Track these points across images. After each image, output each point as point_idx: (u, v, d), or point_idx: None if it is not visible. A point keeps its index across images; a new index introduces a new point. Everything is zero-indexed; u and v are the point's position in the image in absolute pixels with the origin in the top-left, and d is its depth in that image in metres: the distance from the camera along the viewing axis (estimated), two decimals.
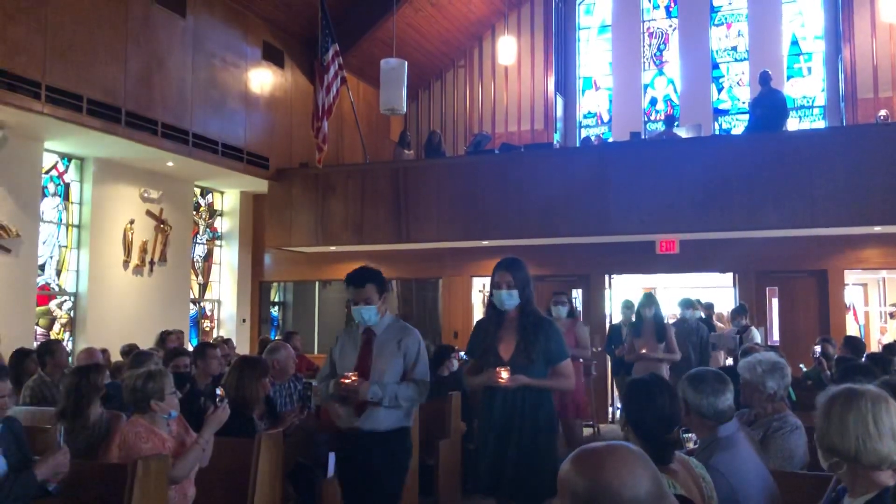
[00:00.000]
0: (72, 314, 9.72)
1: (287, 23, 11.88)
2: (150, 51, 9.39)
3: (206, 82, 10.34)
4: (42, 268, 9.32)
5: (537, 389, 3.98)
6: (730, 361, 8.69)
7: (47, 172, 9.44)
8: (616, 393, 10.86)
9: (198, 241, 12.04)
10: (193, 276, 11.81)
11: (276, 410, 5.15)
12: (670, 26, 14.29)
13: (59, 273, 9.61)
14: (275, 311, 13.39)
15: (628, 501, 1.27)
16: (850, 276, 10.86)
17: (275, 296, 13.38)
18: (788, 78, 13.27)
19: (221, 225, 12.64)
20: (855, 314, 11.88)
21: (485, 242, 11.01)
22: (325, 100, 11.35)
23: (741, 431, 3.07)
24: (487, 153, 11.47)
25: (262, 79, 11.52)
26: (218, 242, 12.55)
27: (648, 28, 14.44)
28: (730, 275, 11.05)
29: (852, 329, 10.91)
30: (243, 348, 11.68)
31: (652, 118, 13.95)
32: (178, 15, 9.88)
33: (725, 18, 13.95)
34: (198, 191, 12.00)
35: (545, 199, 10.15)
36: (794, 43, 13.41)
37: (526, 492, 3.93)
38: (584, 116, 14.80)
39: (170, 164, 10.23)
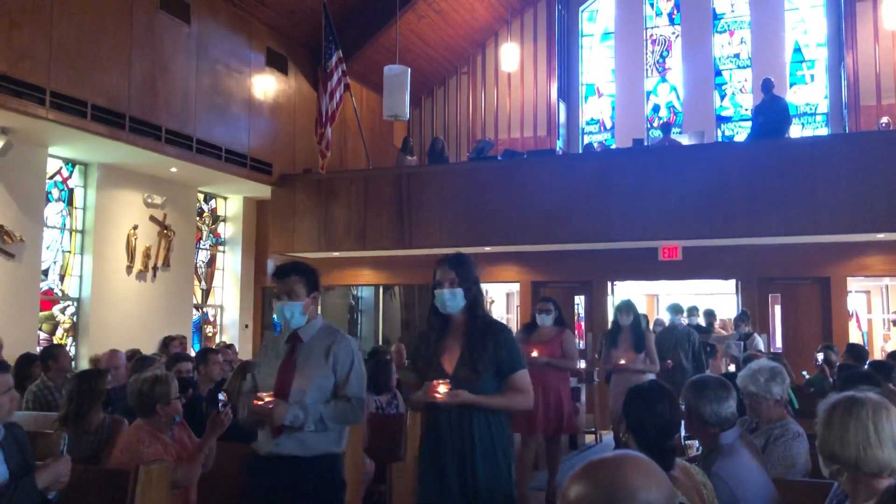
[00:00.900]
0: (75, 319, 9.74)
1: (291, 29, 11.92)
2: (154, 57, 9.43)
3: (210, 88, 10.37)
4: (45, 273, 9.34)
5: (485, 408, 3.25)
6: (732, 368, 8.62)
7: (51, 178, 9.46)
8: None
9: (201, 246, 12.05)
10: (196, 282, 11.83)
11: None
12: (673, 33, 14.31)
13: (62, 278, 9.63)
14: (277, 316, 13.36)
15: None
16: (853, 284, 10.84)
17: None
18: (791, 85, 13.27)
19: (225, 230, 12.66)
20: (858, 321, 11.86)
21: (487, 248, 11.02)
22: (329, 106, 11.37)
23: (743, 438, 3.07)
24: (490, 159, 11.48)
25: (266, 85, 11.55)
26: (221, 248, 12.56)
27: (651, 35, 14.46)
28: (732, 281, 11.04)
29: (855, 336, 10.90)
30: (246, 354, 11.69)
31: (655, 125, 13.95)
32: (182, 21, 9.92)
33: (728, 26, 13.96)
34: (201, 196, 12.02)
35: (548, 206, 10.15)
36: (797, 50, 13.42)
37: None
38: (587, 123, 14.81)
39: (173, 169, 10.26)
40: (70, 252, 9.72)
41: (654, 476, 1.28)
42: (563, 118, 14.62)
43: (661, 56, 14.36)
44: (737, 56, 13.85)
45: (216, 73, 10.51)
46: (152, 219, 10.55)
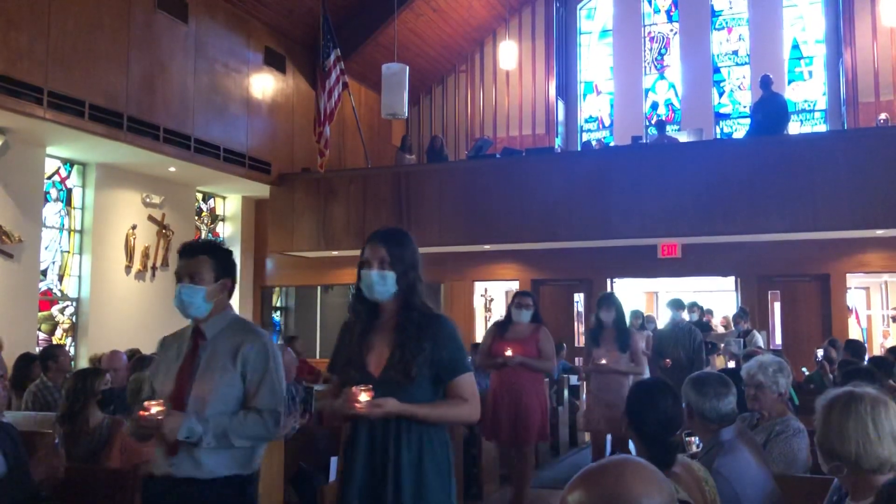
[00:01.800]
0: (74, 319, 9.73)
1: (289, 28, 11.91)
2: (152, 56, 9.42)
3: (208, 88, 10.36)
4: (44, 273, 9.33)
5: (419, 421, 2.61)
6: (731, 364, 8.61)
7: (49, 178, 9.46)
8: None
9: None
10: None
11: None
12: (671, 31, 14.31)
13: (61, 278, 9.62)
14: (277, 315, 13.39)
15: None
16: (853, 280, 10.85)
17: (277, 301, 13.38)
18: (789, 82, 13.27)
19: (223, 230, 12.65)
20: (857, 317, 11.87)
21: (487, 247, 11.03)
22: (327, 105, 11.36)
23: (743, 435, 3.07)
24: (489, 157, 11.48)
25: (264, 84, 11.54)
26: None
27: (649, 32, 14.45)
28: (732, 278, 11.04)
29: (854, 333, 10.90)
30: None
31: (653, 122, 13.95)
32: (180, 21, 9.91)
33: (726, 22, 13.96)
34: (200, 196, 12.01)
35: (547, 204, 10.15)
36: (795, 47, 13.42)
37: None
38: (586, 121, 14.81)
39: (172, 169, 10.25)
40: (69, 252, 9.71)
41: (655, 481, 1.28)
42: (561, 116, 14.61)
43: (660, 53, 14.36)
44: (735, 53, 13.84)
45: (214, 72, 10.50)
46: (151, 218, 10.54)
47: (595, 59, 14.81)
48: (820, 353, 7.55)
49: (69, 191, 9.79)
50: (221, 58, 10.66)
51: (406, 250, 2.79)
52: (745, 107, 13.40)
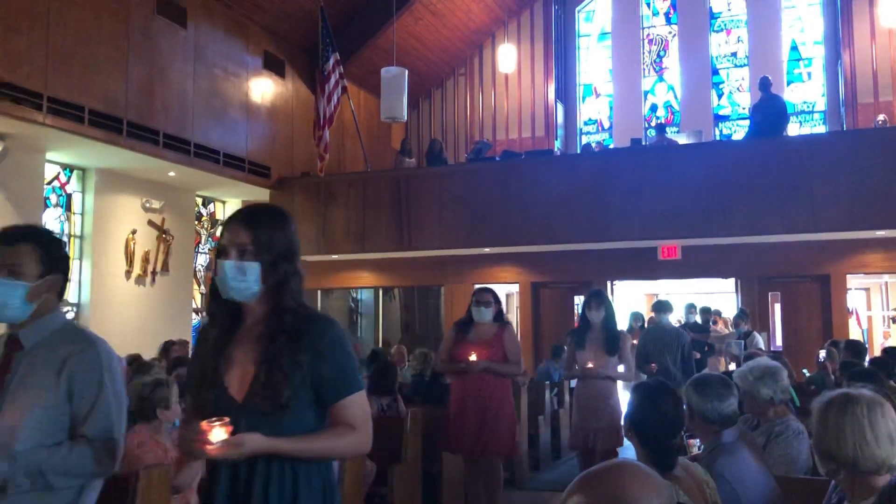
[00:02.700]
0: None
1: (288, 32, 11.92)
2: (151, 61, 9.43)
3: (207, 92, 10.37)
4: None
5: (294, 459, 2.02)
6: (733, 366, 8.59)
7: (49, 183, 9.46)
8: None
9: (200, 250, 12.05)
10: (196, 286, 11.82)
11: None
12: (670, 33, 14.32)
13: None
14: None
15: None
16: (853, 281, 10.85)
17: None
18: (788, 83, 13.28)
19: None
20: (858, 318, 11.87)
21: (487, 250, 11.03)
22: (327, 109, 11.38)
23: (745, 436, 3.07)
24: (488, 161, 11.49)
25: (263, 88, 11.55)
26: None
27: (648, 35, 14.47)
28: (732, 280, 11.04)
29: (855, 333, 10.90)
30: None
31: (652, 124, 13.96)
32: (179, 26, 9.92)
33: (725, 24, 13.97)
34: (199, 200, 12.02)
35: (546, 206, 10.15)
36: (794, 48, 13.43)
37: None
38: (585, 123, 14.82)
39: (171, 173, 10.25)
40: (69, 257, 9.69)
41: (653, 484, 1.28)
42: (560, 119, 14.62)
43: (658, 55, 14.37)
44: (734, 55, 13.86)
45: (213, 76, 10.51)
46: (151, 223, 10.54)
47: (594, 62, 14.82)
48: (822, 354, 7.54)
49: (69, 196, 9.79)
50: (220, 62, 10.67)
51: (277, 235, 2.15)
52: (744, 108, 13.41)
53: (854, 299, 11.63)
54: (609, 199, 9.95)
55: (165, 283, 10.68)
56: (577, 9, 14.88)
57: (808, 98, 13.32)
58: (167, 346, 8.50)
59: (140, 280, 10.31)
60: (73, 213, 9.81)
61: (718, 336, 10.02)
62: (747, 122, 11.86)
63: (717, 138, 13.41)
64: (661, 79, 14.32)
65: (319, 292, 12.94)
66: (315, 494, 2.06)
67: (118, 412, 2.27)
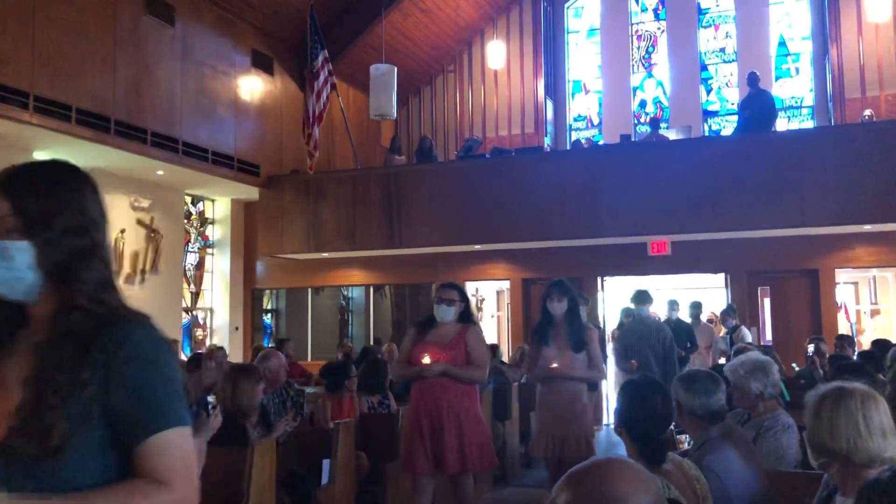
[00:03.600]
0: None
1: (276, 30, 11.88)
2: (138, 60, 9.38)
3: (195, 91, 10.33)
4: None
5: None
6: (722, 361, 8.59)
7: None
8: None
9: (189, 249, 12.01)
10: (185, 285, 11.78)
11: (270, 418, 5.14)
12: (658, 29, 14.34)
13: None
14: (268, 318, 13.36)
15: None
16: (842, 275, 10.90)
17: (267, 303, 13.35)
18: (777, 79, 13.32)
19: (213, 233, 12.61)
20: (846, 313, 11.92)
21: (477, 247, 11.03)
22: (316, 106, 11.35)
23: (734, 431, 3.08)
24: (478, 158, 11.49)
25: (252, 86, 11.51)
26: (210, 251, 12.52)
27: (636, 31, 14.49)
28: (722, 275, 11.07)
29: (844, 328, 10.96)
30: (236, 356, 11.65)
31: (641, 120, 13.99)
32: (166, 24, 9.87)
33: (713, 20, 14.00)
34: (189, 199, 11.97)
35: (537, 203, 10.16)
36: (782, 44, 13.48)
37: None
38: (574, 120, 14.83)
39: (160, 172, 10.21)
40: None
41: (642, 480, 1.28)
42: (550, 115, 14.63)
43: (647, 51, 14.39)
44: (722, 50, 13.89)
45: (202, 75, 10.47)
46: (140, 222, 10.50)
47: (583, 58, 14.83)
48: (810, 348, 7.57)
49: None
50: (209, 60, 10.62)
51: (55, 199, 1.48)
52: (732, 104, 13.44)
53: (842, 293, 11.69)
54: (599, 195, 9.97)
55: (155, 282, 10.64)
56: (565, 5, 14.88)
57: (796, 93, 13.37)
58: None
59: (129, 280, 10.26)
60: None
61: (702, 327, 10.03)
62: (736, 118, 11.89)
63: (706, 134, 13.45)
64: (649, 75, 14.35)
65: (310, 290, 12.92)
66: None
67: None
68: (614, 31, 14.47)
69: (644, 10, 14.48)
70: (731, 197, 9.39)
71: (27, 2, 7.93)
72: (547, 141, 14.28)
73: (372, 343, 11.44)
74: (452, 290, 4.85)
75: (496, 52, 13.43)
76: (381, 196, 11.04)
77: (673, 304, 9.29)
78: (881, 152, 8.96)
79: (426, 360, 4.63)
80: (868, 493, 1.58)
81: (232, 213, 12.56)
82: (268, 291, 13.20)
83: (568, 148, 13.92)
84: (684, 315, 9.89)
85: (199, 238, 12.33)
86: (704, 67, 13.93)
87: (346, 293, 13.20)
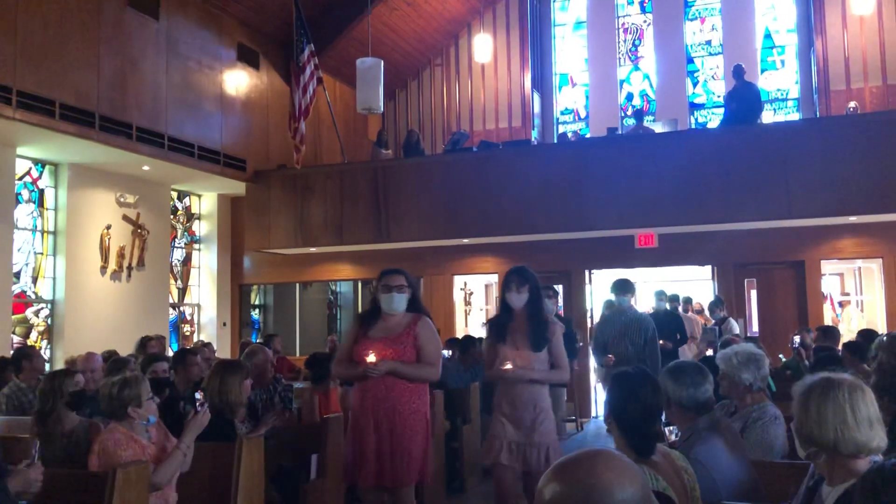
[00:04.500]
0: (49, 322, 9.61)
1: (261, 24, 11.81)
2: (123, 54, 9.31)
3: (180, 85, 10.26)
4: (17, 275, 9.21)
5: None
6: (710, 352, 8.58)
7: (21, 179, 9.32)
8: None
9: (176, 244, 11.94)
10: (172, 281, 11.72)
11: (258, 413, 5.12)
12: (645, 22, 14.36)
13: (35, 280, 9.50)
14: (255, 313, 13.32)
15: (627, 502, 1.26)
16: (827, 267, 10.97)
17: (255, 299, 13.30)
18: (762, 71, 13.38)
19: (200, 228, 12.55)
20: (832, 303, 12.00)
21: (465, 240, 11.03)
22: (302, 100, 11.31)
23: (721, 422, 3.09)
24: (466, 151, 11.47)
25: (238, 81, 11.44)
26: (196, 246, 12.46)
27: (623, 24, 14.50)
28: (709, 267, 11.13)
29: (829, 319, 11.03)
30: (224, 352, 11.62)
31: (628, 113, 14.02)
32: (150, 18, 9.79)
33: (699, 13, 14.03)
34: (175, 194, 11.90)
35: (524, 196, 10.17)
36: (767, 36, 13.53)
37: None
38: (562, 113, 14.84)
39: (146, 167, 10.14)
40: (42, 254, 9.58)
41: (628, 472, 1.28)
42: (537, 108, 14.63)
43: (634, 44, 14.41)
44: (708, 43, 13.93)
45: (187, 69, 10.40)
46: (125, 218, 10.43)
47: (570, 51, 14.84)
48: (797, 339, 7.61)
49: (41, 191, 9.65)
50: (194, 54, 10.55)
51: None
52: (718, 96, 13.49)
53: (828, 284, 11.77)
54: (586, 188, 9.99)
55: (141, 278, 10.59)
56: None
57: (781, 85, 13.43)
58: (144, 342, 8.44)
59: (115, 276, 10.20)
60: (46, 209, 9.68)
61: (690, 318, 10.06)
62: (722, 111, 11.93)
63: (693, 126, 13.49)
64: (636, 68, 14.37)
65: (298, 285, 12.89)
66: None
67: None
68: (601, 25, 14.49)
69: (630, 2, 14.50)
70: (718, 189, 9.42)
71: None
72: (534, 134, 14.29)
73: None
74: (399, 275, 4.30)
75: (483, 46, 13.42)
76: (369, 190, 11.02)
77: (661, 295, 9.10)
78: (866, 144, 9.01)
79: (371, 357, 4.09)
80: (872, 478, 1.58)
81: (219, 208, 12.50)
82: (255, 287, 13.15)
83: (555, 141, 13.93)
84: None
85: (186, 233, 12.27)
86: (691, 60, 13.97)
87: (333, 288, 13.17)
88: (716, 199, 9.44)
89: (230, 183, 11.42)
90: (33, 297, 9.46)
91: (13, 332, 9.01)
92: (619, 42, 14.46)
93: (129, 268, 10.39)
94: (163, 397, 4.75)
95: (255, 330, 13.14)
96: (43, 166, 9.65)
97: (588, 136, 13.68)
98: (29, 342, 9.23)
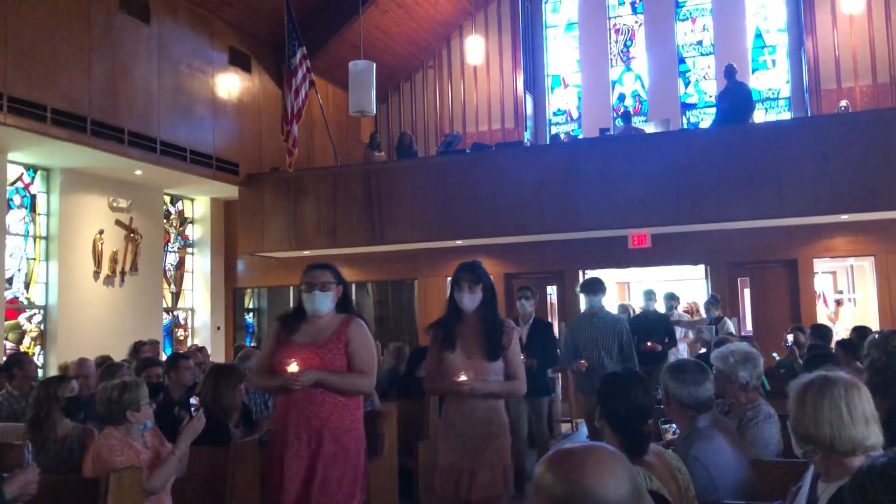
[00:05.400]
0: (42, 327, 9.57)
1: (253, 27, 11.79)
2: (114, 58, 9.28)
3: (172, 89, 10.23)
4: (10, 281, 9.17)
5: None
6: (704, 351, 8.57)
7: (12, 184, 9.28)
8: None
9: (169, 249, 11.91)
10: (166, 285, 11.69)
11: (252, 418, 5.11)
12: (636, 22, 14.40)
13: (27, 286, 9.46)
14: (249, 317, 13.29)
15: (609, 503, 1.26)
16: (820, 265, 11.00)
17: (249, 302, 13.27)
18: (753, 71, 13.42)
19: (193, 232, 12.52)
20: (825, 302, 12.04)
21: (459, 242, 11.02)
22: (294, 103, 11.29)
23: (719, 421, 3.10)
24: (459, 153, 11.47)
25: (230, 84, 11.43)
26: (190, 250, 12.43)
27: (615, 25, 14.53)
28: (702, 267, 11.15)
29: (822, 317, 11.07)
30: (218, 356, 11.58)
31: (619, 113, 14.04)
32: (142, 22, 9.77)
33: (690, 13, 14.07)
34: (167, 199, 11.87)
35: (517, 197, 10.17)
36: (758, 36, 13.57)
37: None
38: (554, 114, 14.86)
39: (138, 172, 10.11)
40: (35, 259, 9.54)
41: (615, 473, 1.28)
42: (529, 110, 14.65)
43: (625, 45, 14.44)
44: (699, 43, 13.97)
45: (178, 73, 10.37)
46: (118, 223, 10.40)
47: (561, 53, 14.86)
48: (790, 338, 7.63)
49: (33, 197, 9.62)
50: (185, 58, 10.53)
51: None
52: (710, 96, 13.53)
53: (821, 283, 11.81)
54: (579, 188, 10.00)
55: (135, 283, 10.55)
56: (543, 0, 14.90)
57: (772, 85, 13.48)
58: (137, 347, 8.42)
59: (109, 280, 10.17)
60: (38, 214, 9.64)
61: (690, 322, 10.09)
62: (714, 110, 11.97)
63: (685, 127, 13.52)
64: (628, 68, 14.40)
65: (292, 288, 12.86)
66: None
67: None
68: (592, 26, 14.52)
69: (622, 3, 14.53)
70: (710, 189, 9.45)
71: None
72: (527, 135, 14.31)
73: None
74: (325, 270, 3.76)
75: (475, 48, 13.43)
76: (362, 193, 11.01)
77: (649, 295, 8.96)
78: (857, 143, 9.05)
79: (293, 367, 3.56)
80: (861, 478, 1.59)
81: (212, 212, 12.47)
82: (249, 290, 13.13)
83: (547, 142, 13.94)
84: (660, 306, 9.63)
85: (179, 238, 12.24)
86: (682, 60, 14.01)
87: None
88: (708, 199, 9.47)
89: (223, 186, 11.39)
90: (26, 302, 9.42)
91: (6, 338, 8.96)
92: (610, 43, 14.49)
93: (123, 272, 10.35)
94: (157, 401, 4.74)
95: (250, 334, 13.11)
96: (35, 171, 9.61)
97: (581, 136, 13.69)
98: (22, 348, 9.20)
